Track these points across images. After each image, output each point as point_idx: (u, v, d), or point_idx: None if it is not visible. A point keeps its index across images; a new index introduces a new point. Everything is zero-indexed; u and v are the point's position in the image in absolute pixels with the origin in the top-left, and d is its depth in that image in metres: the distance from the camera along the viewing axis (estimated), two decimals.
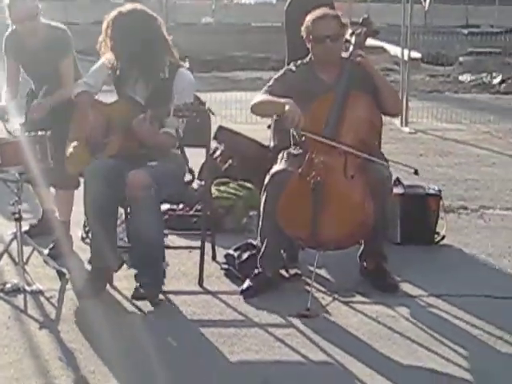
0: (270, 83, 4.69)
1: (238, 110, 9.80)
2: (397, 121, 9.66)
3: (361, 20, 4.74)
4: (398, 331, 3.97)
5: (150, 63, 4.48)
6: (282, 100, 4.39)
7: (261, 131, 6.97)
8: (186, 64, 4.77)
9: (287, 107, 4.31)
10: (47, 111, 4.90)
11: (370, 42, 4.83)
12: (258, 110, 4.63)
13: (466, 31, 23.02)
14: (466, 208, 6.11)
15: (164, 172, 4.36)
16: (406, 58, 10.65)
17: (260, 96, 4.63)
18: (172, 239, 5.20)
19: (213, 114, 4.55)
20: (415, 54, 17.22)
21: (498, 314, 4.16)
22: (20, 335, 3.96)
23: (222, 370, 3.62)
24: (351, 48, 4.62)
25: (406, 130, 9.68)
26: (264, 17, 29.32)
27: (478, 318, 4.12)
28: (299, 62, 4.75)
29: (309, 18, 4.65)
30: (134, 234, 4.44)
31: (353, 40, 4.64)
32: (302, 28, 4.64)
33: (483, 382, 3.51)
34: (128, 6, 4.48)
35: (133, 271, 4.48)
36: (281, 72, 4.78)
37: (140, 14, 4.47)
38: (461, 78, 15.87)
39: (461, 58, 17.70)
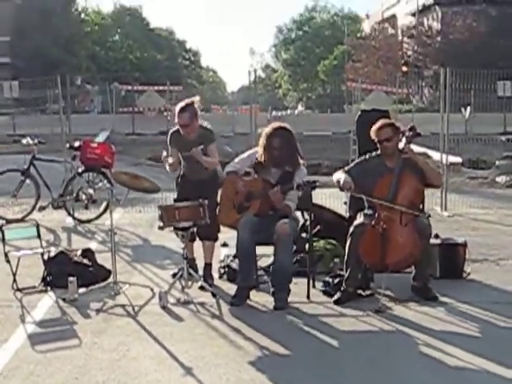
0: (350, 165, 7.17)
1: None
2: (438, 208, 12.05)
3: (409, 126, 7.09)
4: (438, 317, 6.30)
5: (285, 163, 7.00)
6: (341, 177, 6.88)
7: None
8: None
9: (341, 181, 6.82)
10: (197, 159, 7.36)
11: (416, 148, 7.10)
12: (334, 183, 7.13)
13: (503, 138, 24.53)
14: (486, 259, 8.46)
15: (294, 226, 6.86)
16: (444, 161, 12.94)
17: (338, 174, 7.09)
18: None
19: (320, 186, 6.92)
20: (456, 159, 19.15)
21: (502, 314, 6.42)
22: (200, 322, 6.31)
23: (332, 333, 5.96)
24: (403, 143, 6.93)
25: (445, 213, 12.06)
26: (314, 126, 31.74)
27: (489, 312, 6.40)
28: (372, 154, 7.09)
29: (373, 128, 7.03)
30: (277, 264, 6.75)
31: (403, 140, 6.97)
32: (371, 133, 7.02)
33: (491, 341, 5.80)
34: (276, 124, 7.12)
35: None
36: (359, 159, 7.21)
37: (286, 131, 7.05)
38: (497, 179, 17.62)
39: (497, 162, 19.58)
